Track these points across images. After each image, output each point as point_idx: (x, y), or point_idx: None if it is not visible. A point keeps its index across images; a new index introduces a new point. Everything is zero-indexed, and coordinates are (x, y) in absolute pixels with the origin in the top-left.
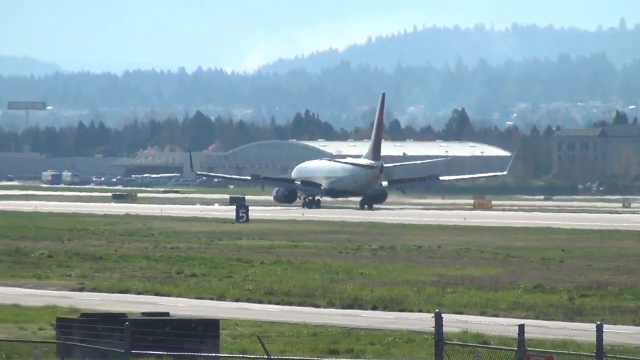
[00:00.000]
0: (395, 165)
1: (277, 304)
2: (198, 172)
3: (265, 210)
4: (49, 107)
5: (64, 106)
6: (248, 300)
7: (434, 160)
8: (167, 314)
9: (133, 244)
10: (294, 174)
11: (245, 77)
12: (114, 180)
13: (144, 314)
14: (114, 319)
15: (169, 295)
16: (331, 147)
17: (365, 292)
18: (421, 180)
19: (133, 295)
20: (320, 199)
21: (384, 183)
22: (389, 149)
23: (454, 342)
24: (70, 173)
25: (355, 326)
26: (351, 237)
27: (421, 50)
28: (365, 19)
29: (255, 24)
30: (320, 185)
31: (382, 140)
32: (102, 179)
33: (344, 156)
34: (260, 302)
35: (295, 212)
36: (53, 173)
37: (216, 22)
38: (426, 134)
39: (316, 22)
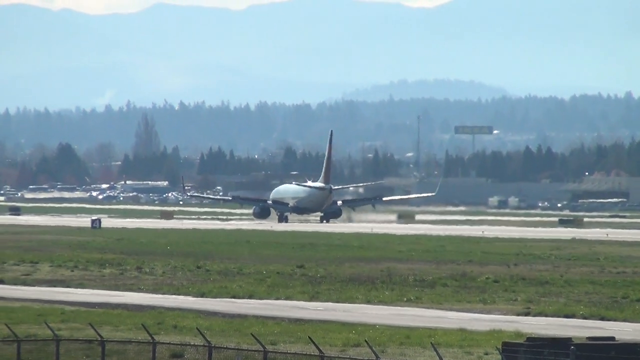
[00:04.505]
0: (341, 188)
1: None
2: (189, 194)
3: None
4: (495, 132)
5: (510, 130)
6: None
7: None
8: (612, 338)
9: (578, 268)
10: (271, 195)
11: None
12: (560, 205)
13: (589, 338)
14: (560, 344)
15: (615, 320)
16: None
17: None
18: (368, 200)
19: (578, 320)
20: (289, 215)
21: (339, 202)
22: None
23: None
24: (517, 198)
25: None
26: None
27: None
28: None
29: None
30: (288, 204)
31: None
32: (547, 204)
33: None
34: None
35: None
36: (499, 198)
37: None
38: None
39: None
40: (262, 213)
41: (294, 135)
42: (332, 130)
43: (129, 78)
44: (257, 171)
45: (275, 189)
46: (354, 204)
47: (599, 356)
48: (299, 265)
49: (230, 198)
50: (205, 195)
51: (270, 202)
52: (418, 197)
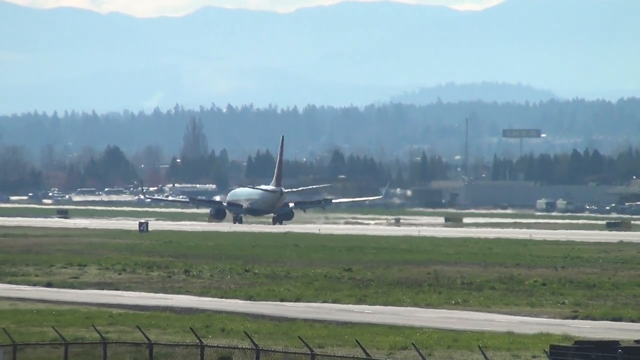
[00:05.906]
0: (290, 191)
1: None
2: (147, 196)
3: None
4: (543, 135)
5: (558, 134)
6: None
7: None
8: None
9: (626, 271)
10: (227, 197)
11: None
12: (607, 208)
13: (637, 341)
14: (607, 347)
15: None
16: None
17: None
18: (318, 202)
19: (626, 323)
20: (243, 217)
21: (291, 204)
22: None
23: None
24: (564, 201)
25: None
26: None
27: None
28: None
29: None
30: (242, 206)
31: None
32: (595, 207)
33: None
34: None
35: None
36: (547, 201)
37: None
38: None
39: None
40: (218, 215)
41: (341, 138)
42: (283, 136)
43: (177, 81)
44: (305, 175)
45: (231, 191)
46: (305, 205)
47: None
48: (347, 268)
49: (187, 200)
50: (162, 198)
51: (226, 204)
52: (368, 199)
